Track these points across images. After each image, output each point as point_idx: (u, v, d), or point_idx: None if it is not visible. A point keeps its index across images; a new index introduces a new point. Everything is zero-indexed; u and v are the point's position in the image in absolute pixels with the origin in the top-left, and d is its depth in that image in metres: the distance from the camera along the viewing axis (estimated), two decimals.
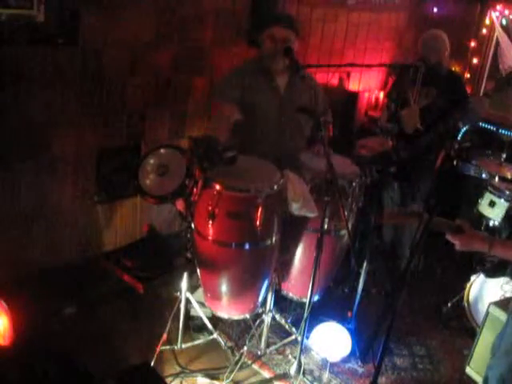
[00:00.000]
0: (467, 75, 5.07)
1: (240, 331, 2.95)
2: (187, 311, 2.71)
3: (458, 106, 3.27)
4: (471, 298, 3.13)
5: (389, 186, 3.64)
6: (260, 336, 2.81)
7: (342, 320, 2.90)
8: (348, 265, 2.99)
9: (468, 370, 2.77)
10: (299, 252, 2.70)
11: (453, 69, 4.87)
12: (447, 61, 3.49)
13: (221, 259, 2.41)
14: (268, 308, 2.72)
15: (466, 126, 3.72)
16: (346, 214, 2.48)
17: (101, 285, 2.96)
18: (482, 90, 5.13)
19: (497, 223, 3.30)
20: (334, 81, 4.48)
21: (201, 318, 2.67)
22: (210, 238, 2.33)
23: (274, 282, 2.68)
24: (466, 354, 2.87)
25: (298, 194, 2.40)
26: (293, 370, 2.62)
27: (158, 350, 2.56)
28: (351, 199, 2.60)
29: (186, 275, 2.50)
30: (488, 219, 3.42)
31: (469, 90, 4.89)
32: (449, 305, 3.33)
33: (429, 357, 3.00)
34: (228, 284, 2.48)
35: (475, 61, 5.08)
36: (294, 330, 2.84)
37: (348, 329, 2.85)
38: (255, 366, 2.73)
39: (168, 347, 2.63)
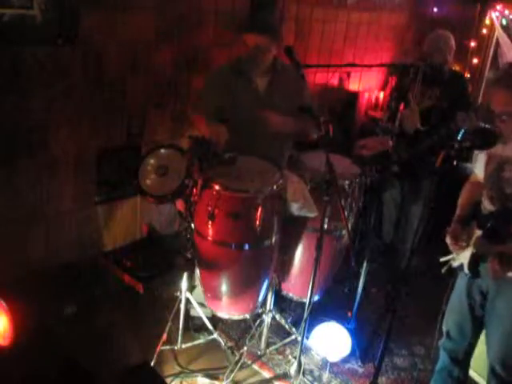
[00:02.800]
0: (467, 75, 5.07)
1: (240, 331, 2.95)
2: (187, 311, 2.71)
3: (460, 109, 3.26)
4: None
5: (390, 185, 3.64)
6: (260, 336, 2.81)
7: (342, 320, 2.90)
8: (348, 265, 3.00)
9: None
10: (299, 252, 2.70)
11: (455, 68, 4.88)
12: (451, 61, 3.50)
13: (221, 259, 2.41)
14: (268, 308, 2.72)
15: (467, 127, 3.72)
16: (345, 213, 2.49)
17: (101, 285, 2.96)
18: (482, 90, 5.13)
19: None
20: (334, 81, 4.48)
21: (201, 318, 2.67)
22: (209, 238, 2.34)
23: (273, 282, 2.68)
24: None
25: (297, 194, 2.40)
26: (293, 369, 2.61)
27: (157, 350, 2.56)
28: (351, 199, 2.61)
29: (185, 275, 2.50)
30: None
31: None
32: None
33: (429, 357, 2.99)
34: (228, 284, 2.48)
35: (475, 61, 5.08)
36: (294, 330, 2.84)
37: (348, 329, 2.86)
38: (255, 366, 2.73)
39: (168, 347, 2.63)
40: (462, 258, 2.14)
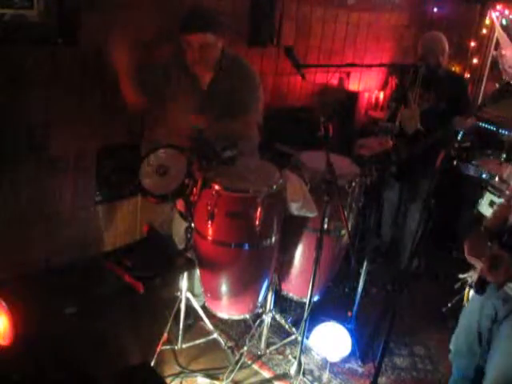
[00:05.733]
0: (467, 75, 5.07)
1: (240, 331, 2.95)
2: (186, 310, 2.70)
3: (458, 110, 3.27)
4: (471, 298, 3.13)
5: (389, 186, 3.65)
6: (260, 336, 2.81)
7: (342, 320, 2.90)
8: (348, 265, 3.00)
9: None
10: (299, 252, 2.70)
11: (453, 69, 4.88)
12: (446, 63, 3.50)
13: (220, 259, 2.42)
14: (268, 308, 2.72)
15: (463, 129, 3.72)
16: (345, 213, 2.49)
17: (101, 285, 2.96)
18: (482, 90, 5.13)
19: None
20: (334, 81, 4.48)
21: (193, 317, 2.66)
22: (209, 238, 2.34)
23: (274, 282, 2.68)
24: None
25: (297, 194, 2.40)
26: (293, 369, 2.62)
27: (158, 350, 2.56)
28: (351, 199, 2.60)
29: (185, 275, 2.50)
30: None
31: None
32: (449, 305, 3.32)
33: (429, 357, 3.00)
34: (228, 284, 2.48)
35: (475, 61, 5.08)
36: (294, 329, 2.84)
37: (348, 329, 2.85)
38: (255, 366, 2.73)
39: (168, 347, 2.63)
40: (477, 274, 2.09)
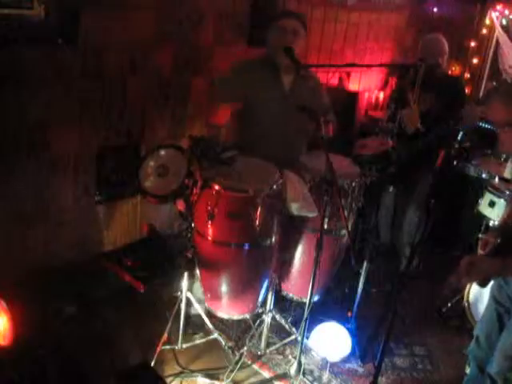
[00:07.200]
0: (467, 75, 5.08)
1: (240, 331, 2.95)
2: (187, 311, 2.71)
3: (453, 112, 3.27)
4: (471, 297, 3.13)
5: (388, 186, 3.65)
6: (260, 336, 2.81)
7: (342, 320, 2.90)
8: (348, 265, 3.00)
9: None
10: (299, 252, 2.70)
11: (453, 69, 4.88)
12: (445, 65, 3.50)
13: (220, 259, 2.42)
14: (268, 308, 2.72)
15: (465, 127, 3.72)
16: (345, 213, 2.49)
17: (101, 285, 2.96)
18: (481, 90, 5.14)
19: (497, 223, 3.30)
20: (334, 81, 4.48)
21: (199, 316, 2.66)
22: (209, 238, 2.34)
23: (274, 282, 2.68)
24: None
25: (297, 194, 2.40)
26: (293, 370, 2.62)
27: (158, 350, 2.56)
28: (351, 199, 2.61)
29: (186, 275, 2.50)
30: (488, 219, 3.42)
31: (468, 91, 4.90)
32: (449, 305, 3.33)
33: (429, 357, 3.00)
34: (228, 284, 2.48)
35: (475, 61, 5.09)
36: (294, 330, 2.84)
37: (348, 329, 2.85)
38: (255, 366, 2.73)
39: (168, 347, 2.63)
40: None
